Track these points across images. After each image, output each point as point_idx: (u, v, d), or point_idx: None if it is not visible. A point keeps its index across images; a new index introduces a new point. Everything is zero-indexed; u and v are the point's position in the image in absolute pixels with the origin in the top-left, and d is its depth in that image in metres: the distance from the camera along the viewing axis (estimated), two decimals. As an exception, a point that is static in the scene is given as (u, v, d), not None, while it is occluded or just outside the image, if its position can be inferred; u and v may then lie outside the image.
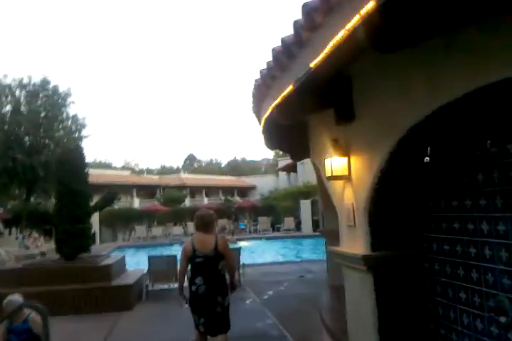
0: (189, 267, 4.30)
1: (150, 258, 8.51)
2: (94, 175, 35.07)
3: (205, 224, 4.29)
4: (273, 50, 3.34)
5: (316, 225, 25.35)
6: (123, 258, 9.37)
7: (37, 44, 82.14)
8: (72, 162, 8.60)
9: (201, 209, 4.57)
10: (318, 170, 6.39)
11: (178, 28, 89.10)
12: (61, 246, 8.36)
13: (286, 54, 3.09)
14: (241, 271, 9.43)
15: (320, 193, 7.12)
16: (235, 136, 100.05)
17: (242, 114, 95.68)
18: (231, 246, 4.95)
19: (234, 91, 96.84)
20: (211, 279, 4.10)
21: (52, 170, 13.75)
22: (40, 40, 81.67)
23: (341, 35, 2.12)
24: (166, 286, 8.61)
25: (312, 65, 2.58)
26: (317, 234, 23.58)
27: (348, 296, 3.97)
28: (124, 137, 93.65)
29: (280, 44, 3.14)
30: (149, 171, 60.90)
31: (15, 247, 17.84)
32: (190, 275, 4.21)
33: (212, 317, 4.08)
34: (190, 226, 27.45)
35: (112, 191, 9.63)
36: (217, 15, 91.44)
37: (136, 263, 16.15)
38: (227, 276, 4.35)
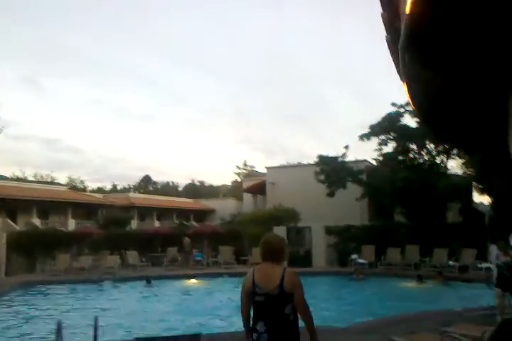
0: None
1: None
2: (14, 189, 28.47)
3: (272, 253, 3.40)
4: None
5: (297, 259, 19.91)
6: None
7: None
8: None
9: (268, 234, 3.72)
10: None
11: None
12: None
13: None
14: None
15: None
16: (194, 159, 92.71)
17: (203, 138, 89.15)
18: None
19: (201, 116, 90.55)
20: (275, 326, 3.18)
21: None
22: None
23: None
24: None
25: None
26: (298, 270, 18.35)
27: None
28: (71, 152, 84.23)
29: None
30: (98, 191, 53.97)
31: None
32: (252, 320, 3.29)
33: None
34: (131, 255, 21.34)
35: None
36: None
37: (37, 316, 10.38)
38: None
